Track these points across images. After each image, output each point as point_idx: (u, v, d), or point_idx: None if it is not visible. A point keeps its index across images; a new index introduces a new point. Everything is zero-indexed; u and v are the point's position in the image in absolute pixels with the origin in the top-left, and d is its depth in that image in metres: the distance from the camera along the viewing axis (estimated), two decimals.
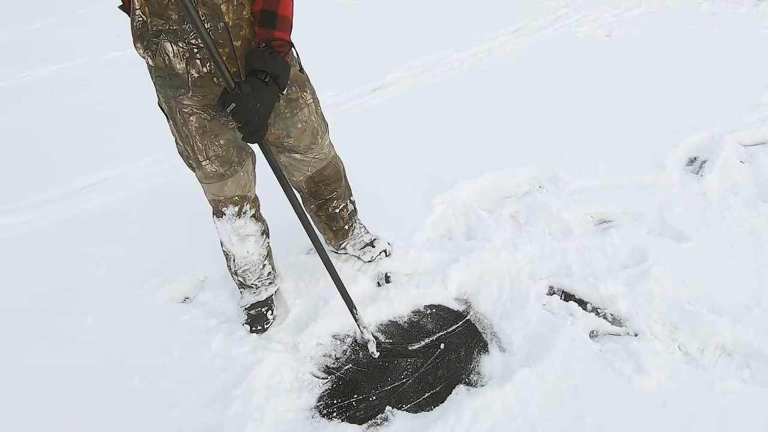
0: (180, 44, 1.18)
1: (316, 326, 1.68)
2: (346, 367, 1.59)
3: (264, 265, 1.70)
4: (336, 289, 1.79)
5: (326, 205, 1.77)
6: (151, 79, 1.30)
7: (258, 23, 1.20)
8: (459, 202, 2.23)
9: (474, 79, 3.56)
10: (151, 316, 1.78)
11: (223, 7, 1.15)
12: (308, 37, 3.51)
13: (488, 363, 1.54)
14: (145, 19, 1.16)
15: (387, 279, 1.88)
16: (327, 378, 1.55)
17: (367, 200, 1.97)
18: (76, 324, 1.78)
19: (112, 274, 2.01)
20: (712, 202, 2.04)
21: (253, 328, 1.69)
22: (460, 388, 1.47)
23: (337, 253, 1.98)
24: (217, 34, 1.18)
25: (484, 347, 1.60)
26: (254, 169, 1.57)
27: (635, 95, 3.04)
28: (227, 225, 1.56)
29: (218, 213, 1.56)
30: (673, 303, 1.60)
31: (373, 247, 1.91)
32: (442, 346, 1.63)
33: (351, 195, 1.85)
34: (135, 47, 1.23)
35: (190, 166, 1.47)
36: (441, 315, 1.74)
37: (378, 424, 1.40)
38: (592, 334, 1.58)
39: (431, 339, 1.66)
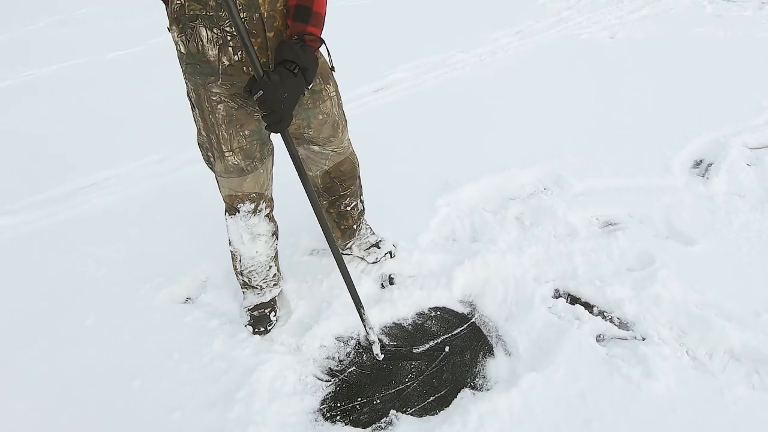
0: (215, 30, 1.20)
1: (320, 328, 1.66)
2: (350, 370, 1.57)
3: (270, 267, 1.69)
4: (340, 290, 1.78)
5: (338, 202, 1.76)
6: (180, 67, 1.32)
7: (291, 17, 1.22)
8: (463, 203, 2.21)
9: (477, 80, 3.54)
10: (152, 316, 1.76)
11: None
12: None
13: (494, 367, 1.52)
14: (183, 2, 1.19)
15: (391, 281, 1.87)
16: (330, 381, 1.53)
17: (371, 201, 1.95)
18: (76, 324, 1.76)
19: (113, 274, 1.99)
20: (719, 206, 2.02)
21: (256, 330, 1.67)
22: (466, 392, 1.45)
23: (341, 253, 1.96)
24: (252, 24, 1.20)
25: (489, 351, 1.58)
26: (272, 168, 1.57)
27: (639, 97, 3.03)
28: (240, 222, 1.55)
29: (232, 210, 1.55)
30: (681, 307, 1.58)
31: (379, 248, 1.90)
32: (447, 349, 1.61)
33: (362, 194, 1.85)
34: (170, 30, 1.25)
35: (208, 160, 1.46)
36: (445, 318, 1.72)
37: (382, 429, 1.38)
38: (599, 338, 1.56)
39: (436, 342, 1.64)
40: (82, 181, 2.73)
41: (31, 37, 5.78)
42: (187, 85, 1.36)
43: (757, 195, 2.08)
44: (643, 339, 1.52)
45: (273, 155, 1.55)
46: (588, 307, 1.67)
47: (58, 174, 2.79)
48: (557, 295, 1.73)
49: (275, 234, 1.66)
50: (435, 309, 1.75)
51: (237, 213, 1.54)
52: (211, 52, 1.23)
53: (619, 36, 4.09)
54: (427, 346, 1.63)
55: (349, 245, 1.92)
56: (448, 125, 2.95)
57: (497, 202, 2.21)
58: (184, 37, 1.23)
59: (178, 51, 1.28)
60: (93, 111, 3.63)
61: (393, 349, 1.62)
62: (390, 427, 1.38)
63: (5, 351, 1.69)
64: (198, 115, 1.38)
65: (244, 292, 1.72)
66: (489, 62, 3.84)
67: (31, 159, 3.02)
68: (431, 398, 1.46)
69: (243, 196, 1.50)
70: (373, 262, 1.91)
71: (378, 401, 1.46)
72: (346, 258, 1.96)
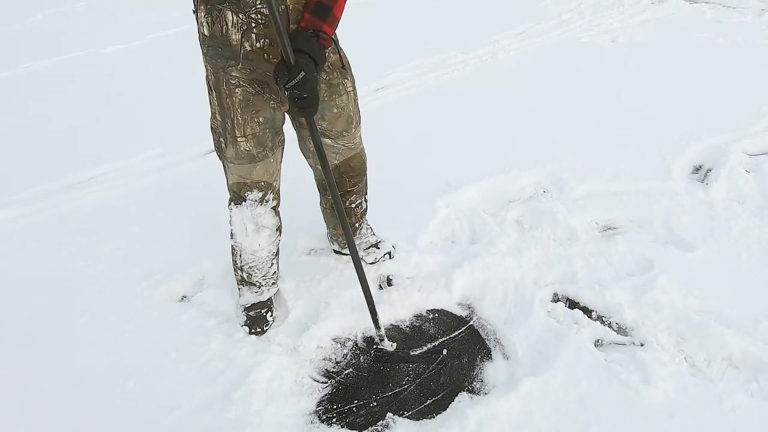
0: (240, 15, 1.22)
1: (317, 329, 1.65)
2: (347, 372, 1.56)
3: (272, 264, 1.67)
4: (338, 290, 1.78)
5: (344, 198, 1.76)
6: (201, 50, 1.33)
7: (310, 11, 1.24)
8: (463, 205, 2.20)
9: (478, 81, 3.54)
10: (149, 315, 1.74)
11: None
12: None
13: (492, 370, 1.52)
14: None
15: (389, 282, 1.86)
16: (327, 382, 1.52)
17: (371, 200, 1.94)
18: (72, 322, 1.74)
19: (111, 270, 1.98)
20: (719, 212, 2.02)
21: (252, 330, 1.66)
22: (463, 396, 1.45)
23: (340, 252, 1.96)
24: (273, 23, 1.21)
25: (487, 354, 1.58)
26: (282, 160, 1.57)
27: (640, 101, 3.03)
28: (246, 212, 1.54)
29: (238, 199, 1.54)
30: (680, 313, 1.58)
31: (378, 248, 1.89)
32: (445, 351, 1.60)
33: (367, 193, 1.85)
34: (196, 11, 1.27)
35: (219, 146, 1.47)
36: (444, 320, 1.72)
37: (379, 431, 1.38)
38: (597, 343, 1.55)
39: (434, 344, 1.63)
40: (80, 175, 2.71)
41: (29, 28, 5.73)
42: (206, 68, 1.38)
43: (756, 201, 2.09)
44: (642, 345, 1.52)
45: (283, 147, 1.55)
46: (587, 311, 1.66)
47: (57, 167, 2.77)
48: (556, 298, 1.73)
49: (279, 230, 1.65)
50: (433, 311, 1.75)
51: (243, 202, 1.53)
52: (235, 36, 1.25)
53: (620, 40, 4.09)
54: (425, 348, 1.62)
55: None
56: (448, 126, 2.94)
57: (497, 204, 2.21)
58: (210, 19, 1.25)
59: (201, 34, 1.30)
60: (92, 104, 3.60)
61: (390, 351, 1.61)
62: (386, 431, 1.37)
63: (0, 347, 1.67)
64: (215, 98, 1.40)
65: (240, 289, 1.71)
66: (490, 63, 3.84)
67: (28, 152, 2.99)
68: (428, 401, 1.45)
69: (252, 183, 1.50)
70: (372, 263, 1.90)
71: (374, 404, 1.46)
72: (344, 258, 1.95)
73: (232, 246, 1.65)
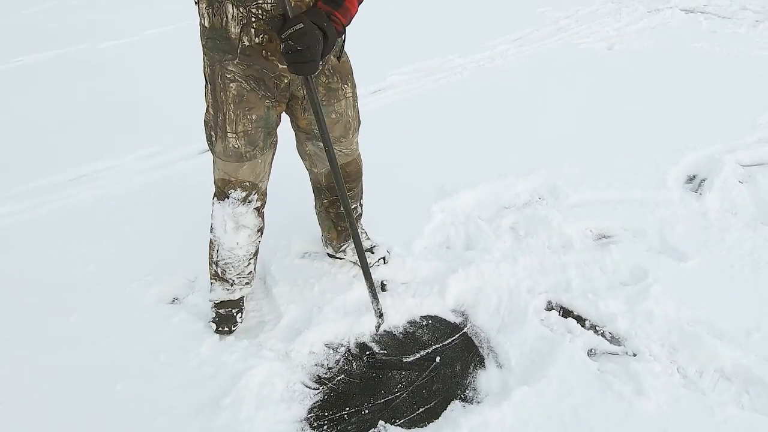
0: (241, 9, 1.22)
1: (310, 334, 1.63)
2: (339, 378, 1.54)
3: (249, 263, 1.65)
4: (332, 294, 1.77)
5: (339, 203, 1.75)
6: (201, 42, 1.33)
7: (323, 0, 1.22)
8: (458, 210, 2.20)
9: (475, 85, 3.54)
10: (139, 317, 1.72)
11: None
12: None
13: (485, 379, 1.51)
14: None
15: (383, 287, 1.84)
16: (318, 389, 1.51)
17: (365, 204, 1.93)
18: (60, 322, 1.71)
19: (101, 271, 1.95)
20: (712, 222, 2.03)
21: (219, 329, 1.64)
22: (456, 404, 1.44)
23: (334, 256, 1.94)
24: (275, 8, 1.21)
25: (480, 362, 1.57)
26: (272, 161, 1.55)
27: (635, 109, 3.04)
28: (228, 209, 1.52)
29: (221, 195, 1.52)
30: (673, 324, 1.58)
31: (372, 253, 1.88)
32: (438, 359, 1.59)
33: (362, 198, 1.84)
34: (198, 2, 1.27)
35: (210, 140, 1.45)
36: (437, 327, 1.71)
37: None
38: (590, 353, 1.55)
39: (427, 351, 1.62)
40: (72, 173, 2.67)
41: (23, 22, 5.66)
42: (204, 61, 1.37)
43: (749, 213, 2.10)
44: (635, 355, 1.52)
45: (275, 149, 1.53)
46: (580, 320, 1.66)
47: (48, 164, 2.73)
48: (550, 307, 1.73)
49: (260, 231, 1.63)
50: (427, 317, 1.74)
51: (226, 199, 1.51)
52: (234, 29, 1.24)
53: (616, 47, 4.12)
54: (418, 355, 1.61)
55: (343, 248, 1.90)
56: (445, 129, 2.93)
57: (492, 210, 2.21)
58: (211, 10, 1.24)
59: (201, 26, 1.30)
60: (85, 100, 3.56)
61: (383, 357, 1.60)
62: None
63: None
64: (210, 91, 1.39)
65: (212, 284, 1.68)
66: (487, 68, 3.84)
67: (19, 147, 2.95)
68: (420, 409, 1.44)
69: (236, 182, 1.48)
70: None
71: (366, 411, 1.44)
72: (338, 262, 1.94)
73: (210, 239, 1.63)
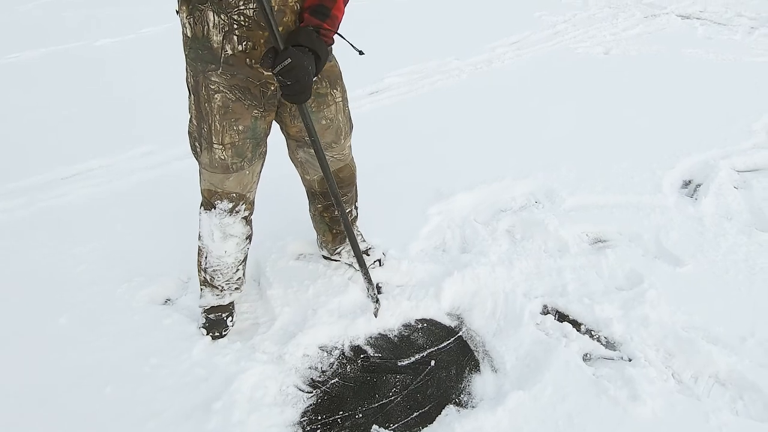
0: (222, 16, 1.20)
1: (304, 336, 1.62)
2: (333, 381, 1.53)
3: (237, 270, 1.64)
4: (326, 297, 1.75)
5: (333, 208, 1.74)
6: (183, 51, 1.30)
7: (309, 12, 1.22)
8: (455, 213, 2.19)
9: (472, 88, 3.54)
10: (131, 318, 1.69)
11: None
12: None
13: (480, 383, 1.50)
14: None
15: (378, 290, 1.83)
16: (312, 392, 1.49)
17: (361, 206, 1.92)
18: (50, 323, 1.69)
19: (92, 271, 1.92)
20: (708, 227, 2.03)
21: (210, 333, 1.62)
22: (450, 409, 1.43)
23: (330, 258, 1.93)
24: (261, 17, 1.20)
25: (475, 366, 1.56)
26: (261, 171, 1.53)
27: (631, 114, 3.05)
28: (215, 219, 1.51)
29: (208, 205, 1.50)
30: (668, 329, 1.58)
31: (368, 255, 1.86)
32: (433, 363, 1.58)
33: (356, 201, 1.82)
34: (179, 11, 1.25)
35: (195, 150, 1.43)
36: (432, 330, 1.70)
37: None
38: (586, 358, 1.54)
39: (421, 355, 1.61)
40: (65, 171, 2.64)
41: (17, 19, 5.62)
42: (187, 71, 1.34)
43: (744, 218, 2.10)
44: (630, 360, 1.51)
45: (264, 159, 1.51)
46: (576, 324, 1.65)
47: (41, 162, 2.70)
48: (546, 311, 1.72)
49: (249, 238, 1.62)
50: (422, 321, 1.73)
51: (213, 209, 1.50)
52: (216, 38, 1.22)
53: (613, 52, 4.13)
54: (413, 359, 1.60)
55: (338, 250, 1.89)
56: (442, 132, 2.93)
57: (489, 214, 2.20)
58: (192, 20, 1.23)
59: (184, 35, 1.28)
60: (80, 97, 3.53)
61: (377, 361, 1.59)
62: None
63: None
64: (193, 102, 1.36)
65: (202, 289, 1.67)
66: (485, 71, 3.84)
67: (11, 144, 2.92)
68: (415, 414, 1.43)
69: (222, 193, 1.47)
70: None
71: (360, 415, 1.43)
72: (333, 264, 1.93)
73: (198, 246, 1.61)
